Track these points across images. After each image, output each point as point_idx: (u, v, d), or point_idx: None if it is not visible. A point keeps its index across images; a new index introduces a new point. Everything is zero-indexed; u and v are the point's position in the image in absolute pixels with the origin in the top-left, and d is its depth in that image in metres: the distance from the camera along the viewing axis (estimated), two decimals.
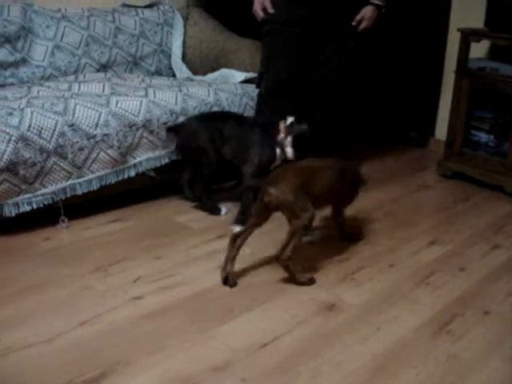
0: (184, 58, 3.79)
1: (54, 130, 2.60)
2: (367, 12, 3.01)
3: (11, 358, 1.81)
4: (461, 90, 3.54)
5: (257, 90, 3.22)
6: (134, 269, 2.37)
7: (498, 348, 2.00)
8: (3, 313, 2.05)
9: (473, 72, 3.49)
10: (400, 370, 1.85)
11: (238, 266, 2.32)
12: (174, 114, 2.94)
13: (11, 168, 2.51)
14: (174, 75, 3.72)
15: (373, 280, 2.40)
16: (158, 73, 3.72)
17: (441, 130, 4.06)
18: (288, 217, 2.22)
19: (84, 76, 3.27)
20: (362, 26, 3.02)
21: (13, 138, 2.50)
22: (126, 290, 2.22)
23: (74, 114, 2.67)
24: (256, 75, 3.30)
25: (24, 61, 3.24)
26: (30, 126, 2.54)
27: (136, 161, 2.86)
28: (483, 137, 3.60)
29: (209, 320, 2.06)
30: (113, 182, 2.80)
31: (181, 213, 2.93)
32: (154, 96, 2.94)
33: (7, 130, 2.50)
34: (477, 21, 3.53)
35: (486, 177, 3.48)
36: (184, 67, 3.72)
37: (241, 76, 3.45)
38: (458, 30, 3.54)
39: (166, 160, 2.96)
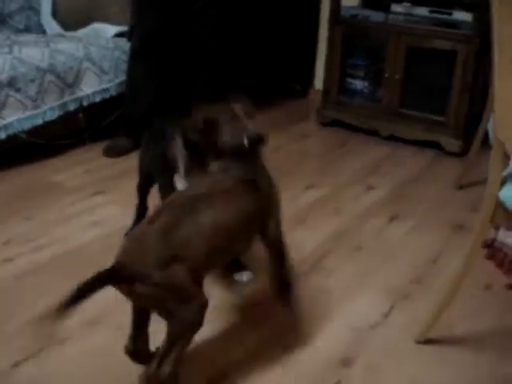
0: (55, 15, 3.63)
1: None
2: None
3: None
4: (334, 39, 3.61)
5: (129, 44, 3.14)
6: (3, 231, 2.29)
7: (366, 281, 2.09)
8: None
9: (345, 20, 3.56)
10: (271, 306, 1.89)
11: None
12: (40, 71, 2.82)
13: None
14: (44, 32, 3.57)
15: None
16: (27, 30, 3.55)
17: (319, 80, 4.13)
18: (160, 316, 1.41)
19: None
20: None
21: None
22: None
23: None
24: (127, 30, 3.22)
25: None
26: None
27: (6, 122, 2.73)
28: (358, 84, 3.70)
29: (83, 276, 2.02)
30: None
31: (57, 172, 2.84)
32: (20, 53, 2.81)
33: None
34: None
35: (363, 123, 3.59)
36: (54, 23, 3.57)
37: (113, 30, 3.35)
38: None
39: (39, 121, 2.85)
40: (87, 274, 1.94)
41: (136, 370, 1.55)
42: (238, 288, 2.00)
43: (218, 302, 1.89)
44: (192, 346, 1.46)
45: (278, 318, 1.85)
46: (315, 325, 1.83)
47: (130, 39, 3.13)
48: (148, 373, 1.41)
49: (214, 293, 1.91)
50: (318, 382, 1.60)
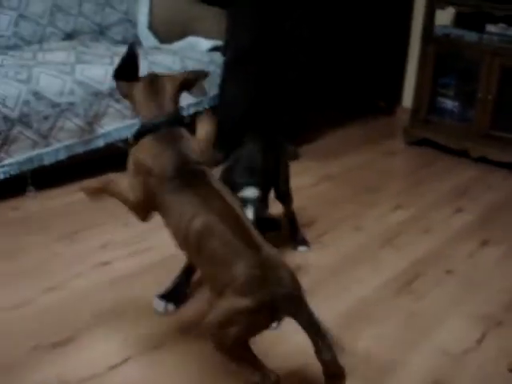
0: (150, 27, 3.76)
1: (18, 98, 2.57)
2: None
3: None
4: (426, 57, 3.58)
5: (223, 59, 3.22)
6: (101, 235, 2.38)
7: (458, 306, 2.06)
8: None
9: (438, 39, 3.53)
10: (363, 327, 1.90)
11: None
12: None
13: None
14: (140, 44, 3.69)
15: (338, 243, 2.45)
16: (124, 42, 3.67)
17: (407, 98, 4.10)
18: None
19: (49, 45, 3.23)
20: None
21: None
22: (94, 256, 2.23)
23: (38, 82, 2.65)
24: (223, 43, 3.30)
25: None
26: None
27: (104, 130, 2.85)
28: (449, 103, 3.65)
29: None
30: (81, 151, 2.79)
31: None
32: None
33: None
34: None
35: (452, 143, 3.53)
36: (150, 36, 3.69)
37: (208, 44, 3.44)
38: None
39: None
40: None
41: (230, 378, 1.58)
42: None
43: None
44: None
45: (367, 340, 1.85)
46: (406, 348, 1.82)
47: (224, 54, 3.21)
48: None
49: None
50: None
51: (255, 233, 1.44)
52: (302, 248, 2.38)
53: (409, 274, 2.24)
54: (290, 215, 2.42)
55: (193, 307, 1.95)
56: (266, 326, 1.41)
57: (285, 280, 1.37)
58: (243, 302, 1.33)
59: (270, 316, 1.37)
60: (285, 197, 2.39)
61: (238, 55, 3.09)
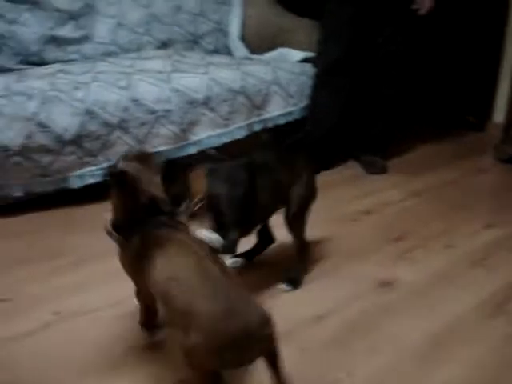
0: (242, 38, 3.82)
1: (118, 104, 2.67)
2: None
3: (80, 320, 1.90)
4: None
5: (314, 70, 3.24)
6: None
7: None
8: (66, 280, 2.14)
9: None
10: (455, 347, 1.86)
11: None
12: (232, 92, 2.98)
13: (77, 141, 2.60)
14: (230, 54, 3.76)
15: (428, 260, 2.41)
16: (216, 51, 3.75)
17: (499, 113, 4.00)
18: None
19: (146, 53, 3.34)
20: (423, 10, 3.00)
21: (79, 112, 2.59)
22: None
23: (137, 89, 2.74)
24: (314, 55, 3.32)
25: (87, 37, 3.32)
26: (95, 100, 2.63)
27: (197, 138, 2.92)
28: None
29: (266, 289, 2.11)
30: (174, 157, 2.86)
31: None
32: (215, 73, 2.99)
33: (73, 104, 2.59)
34: None
35: None
36: (242, 46, 3.75)
37: (299, 55, 3.47)
38: None
39: (228, 139, 3.00)
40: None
41: None
42: None
43: None
44: None
45: (459, 362, 1.82)
46: (503, 372, 1.77)
47: (315, 65, 3.22)
48: None
49: None
50: None
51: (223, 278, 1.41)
52: (285, 286, 2.12)
53: (502, 294, 2.18)
54: (299, 247, 2.15)
55: None
56: (234, 365, 1.40)
57: (252, 322, 1.34)
58: (200, 340, 1.31)
59: (232, 354, 1.33)
60: (293, 222, 2.08)
61: (329, 66, 3.10)
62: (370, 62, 3.14)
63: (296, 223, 2.08)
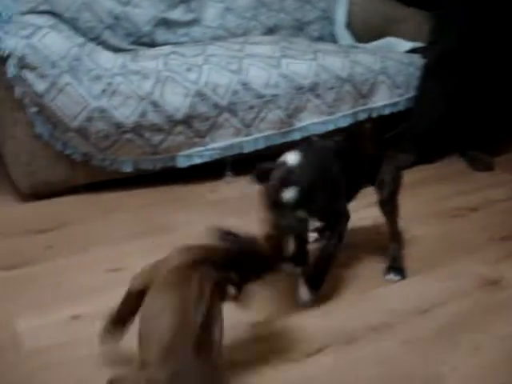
0: (347, 26, 3.79)
1: (228, 87, 2.72)
2: None
3: None
4: None
5: (423, 61, 3.17)
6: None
7: None
8: None
9: None
10: None
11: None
12: (340, 80, 2.96)
13: (187, 121, 2.67)
14: (336, 42, 3.74)
15: None
16: (321, 39, 3.74)
17: None
18: None
19: (253, 38, 3.36)
20: None
21: (190, 93, 2.65)
22: None
23: (247, 73, 2.78)
24: (423, 45, 3.26)
25: (196, 21, 3.37)
26: (206, 82, 2.69)
27: (301, 124, 2.93)
28: None
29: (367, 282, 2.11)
30: (278, 143, 2.89)
31: None
32: (323, 60, 2.98)
33: (186, 85, 2.66)
34: None
35: None
36: (347, 34, 3.73)
37: (408, 45, 3.40)
38: None
39: (332, 126, 2.99)
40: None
41: None
42: None
43: None
44: None
45: None
46: None
47: (424, 55, 3.16)
48: None
49: None
50: None
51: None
52: (393, 276, 2.13)
53: None
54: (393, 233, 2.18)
55: None
56: None
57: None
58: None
59: None
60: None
61: (440, 57, 3.02)
62: (482, 55, 3.04)
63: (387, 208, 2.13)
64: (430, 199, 2.77)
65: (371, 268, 2.18)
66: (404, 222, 2.26)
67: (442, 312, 1.96)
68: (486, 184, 2.98)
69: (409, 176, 3.03)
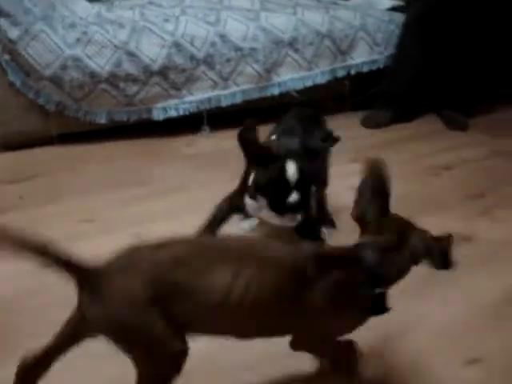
0: None
1: (206, 39, 2.68)
2: None
3: None
4: None
5: (404, 18, 3.15)
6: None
7: None
8: (151, 207, 2.19)
9: None
10: None
11: None
12: (319, 35, 2.93)
13: (163, 72, 2.64)
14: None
15: (508, 219, 2.34)
16: None
17: None
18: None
19: None
20: None
21: (167, 44, 2.61)
22: None
23: (225, 25, 2.73)
24: (403, 3, 3.24)
25: None
26: (183, 34, 2.64)
27: (280, 79, 2.90)
28: None
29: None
30: (256, 97, 2.86)
31: None
32: (302, 14, 2.94)
33: (162, 35, 2.61)
34: None
35: None
36: None
37: (388, 3, 3.37)
38: None
39: (310, 82, 2.97)
40: None
41: None
42: None
43: None
44: None
45: None
46: None
47: (404, 13, 3.13)
48: None
49: None
50: None
51: None
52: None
53: None
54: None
55: None
56: None
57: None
58: None
59: None
60: None
61: (420, 16, 3.00)
62: (461, 15, 3.01)
63: None
64: (406, 158, 2.77)
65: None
66: None
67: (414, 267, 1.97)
68: (461, 143, 2.99)
69: (388, 133, 3.07)
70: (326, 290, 1.17)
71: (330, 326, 1.26)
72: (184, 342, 1.13)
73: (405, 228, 1.31)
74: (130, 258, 1.14)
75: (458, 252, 1.88)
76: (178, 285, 1.09)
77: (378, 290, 1.24)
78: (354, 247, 1.24)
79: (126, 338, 1.10)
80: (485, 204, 2.44)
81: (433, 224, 2.21)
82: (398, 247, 1.25)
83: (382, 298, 1.27)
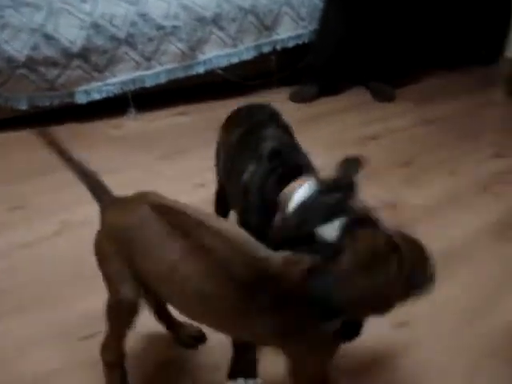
0: None
1: (126, 18, 2.62)
2: None
3: (85, 230, 1.90)
4: None
5: None
6: (198, 158, 2.41)
7: None
8: (72, 192, 2.13)
9: None
10: (459, 268, 1.87)
11: None
12: (242, 11, 2.90)
13: (83, 54, 2.57)
14: None
15: (434, 185, 2.41)
16: None
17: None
18: None
19: None
20: None
21: (86, 25, 2.54)
22: (191, 177, 2.28)
23: (145, 3, 2.68)
24: None
25: None
26: (102, 14, 2.58)
27: (205, 57, 2.87)
28: None
29: None
30: (181, 76, 2.82)
31: None
32: None
33: (80, 16, 2.54)
34: None
35: None
36: None
37: None
38: None
39: (236, 59, 2.95)
40: None
41: None
42: None
43: None
44: None
45: (463, 277, 1.83)
46: (502, 291, 1.79)
47: None
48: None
49: None
50: None
51: None
52: None
53: (508, 220, 2.18)
54: None
55: None
56: None
57: None
58: None
59: None
60: None
61: None
62: None
63: None
64: (334, 130, 2.80)
65: None
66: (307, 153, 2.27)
67: None
68: (389, 114, 3.04)
69: (316, 107, 3.09)
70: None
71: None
72: (134, 295, 1.18)
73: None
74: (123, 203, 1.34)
75: (382, 218, 1.92)
76: (136, 246, 1.16)
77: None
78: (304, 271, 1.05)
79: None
80: (410, 172, 2.49)
81: (359, 192, 2.27)
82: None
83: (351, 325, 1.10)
